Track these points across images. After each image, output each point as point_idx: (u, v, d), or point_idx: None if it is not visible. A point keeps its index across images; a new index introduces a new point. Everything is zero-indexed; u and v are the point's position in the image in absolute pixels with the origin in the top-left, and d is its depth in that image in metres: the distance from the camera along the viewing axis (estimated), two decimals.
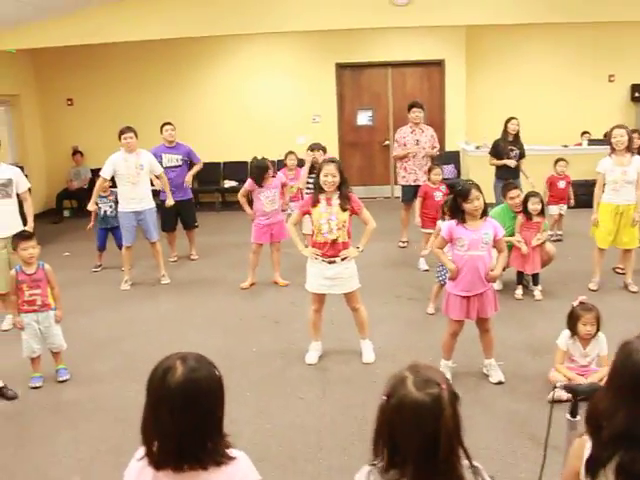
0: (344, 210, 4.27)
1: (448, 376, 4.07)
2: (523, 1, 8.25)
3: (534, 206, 5.63)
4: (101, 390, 4.24)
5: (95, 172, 9.35)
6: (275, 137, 10.33)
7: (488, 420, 3.69)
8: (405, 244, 7.69)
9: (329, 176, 4.22)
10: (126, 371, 4.45)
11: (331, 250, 4.29)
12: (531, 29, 9.81)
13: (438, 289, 5.39)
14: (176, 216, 7.27)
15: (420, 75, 10.75)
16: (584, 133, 10.21)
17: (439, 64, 10.52)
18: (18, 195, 5.43)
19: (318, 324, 4.57)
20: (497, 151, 7.66)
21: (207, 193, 10.68)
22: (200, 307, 5.85)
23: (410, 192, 7.46)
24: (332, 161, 4.36)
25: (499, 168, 7.68)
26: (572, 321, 3.89)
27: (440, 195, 6.36)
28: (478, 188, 3.91)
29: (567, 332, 3.95)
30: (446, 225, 4.03)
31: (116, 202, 6.63)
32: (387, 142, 10.92)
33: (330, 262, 4.30)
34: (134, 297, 6.21)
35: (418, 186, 7.26)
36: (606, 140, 6.47)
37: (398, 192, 10.81)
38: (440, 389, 1.47)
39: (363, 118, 11.04)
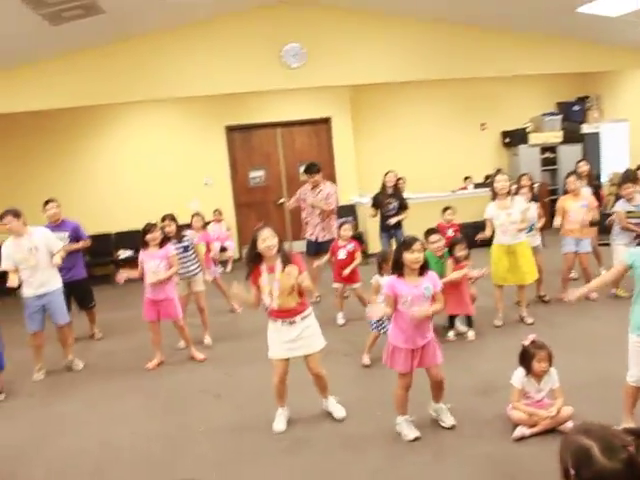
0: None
1: (413, 432, 4.07)
2: (401, 61, 8.79)
3: (461, 252, 5.90)
4: None
5: None
6: (167, 203, 10.07)
7: (461, 468, 3.68)
8: (318, 299, 7.67)
9: (267, 240, 4.01)
10: (63, 468, 4.01)
11: (289, 313, 4.14)
12: (410, 85, 10.47)
13: (374, 339, 5.46)
14: (68, 297, 6.60)
15: (308, 133, 11.04)
16: (467, 178, 10.94)
17: (326, 122, 10.89)
18: None
19: (283, 393, 4.38)
20: (375, 203, 7.98)
21: (101, 266, 10.12)
22: (127, 390, 5.41)
23: (310, 246, 7.77)
24: (264, 226, 4.14)
25: (382, 220, 7.99)
26: (526, 360, 4.03)
27: (344, 253, 6.50)
28: (422, 243, 4.00)
29: (521, 371, 4.09)
30: (387, 282, 4.00)
31: None
32: (282, 200, 11.03)
33: (291, 323, 4.15)
34: (51, 389, 5.63)
35: (314, 241, 7.55)
36: (488, 184, 7.06)
37: (296, 248, 10.99)
38: (629, 451, 1.40)
39: (256, 178, 11.08)
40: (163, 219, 6.31)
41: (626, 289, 6.83)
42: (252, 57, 8.13)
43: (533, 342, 4.06)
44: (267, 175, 11.06)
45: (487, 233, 6.29)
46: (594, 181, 7.77)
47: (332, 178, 10.64)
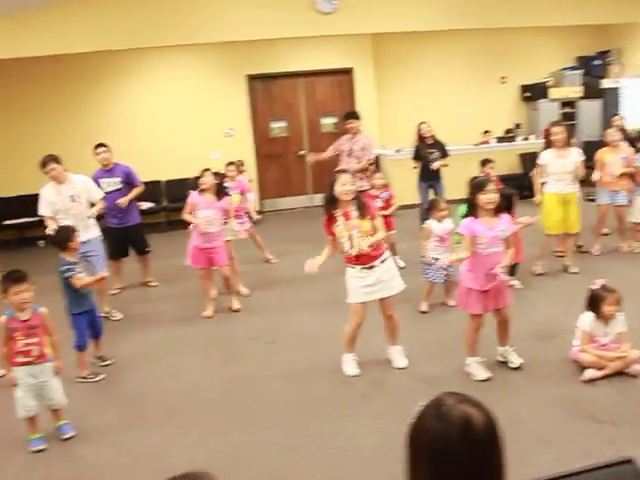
0: (363, 218, 4.15)
1: (484, 373, 4.14)
2: (431, 10, 8.57)
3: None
4: (120, 440, 3.77)
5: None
6: (188, 154, 9.97)
7: (534, 405, 3.76)
8: None
9: (346, 185, 4.09)
10: (137, 411, 4.08)
11: (368, 258, 4.17)
12: (430, 37, 10.26)
13: (430, 287, 5.53)
14: (126, 242, 6.74)
15: (330, 84, 10.88)
16: (486, 132, 10.87)
17: (348, 72, 10.71)
18: None
19: (356, 338, 4.41)
20: (418, 155, 7.98)
21: None
22: (183, 336, 5.45)
23: None
24: (344, 171, 4.27)
25: (422, 170, 8.01)
26: (596, 303, 4.09)
27: (380, 203, 6.42)
28: (494, 183, 4.07)
29: (589, 314, 4.14)
30: (464, 223, 4.05)
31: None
32: (302, 152, 10.93)
33: (370, 268, 4.18)
34: (114, 331, 5.59)
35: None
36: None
37: (317, 201, 10.91)
38: None
39: (277, 129, 10.94)
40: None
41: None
42: (281, 1, 7.88)
43: (603, 286, 4.10)
44: (288, 126, 10.93)
45: (537, 180, 6.38)
46: (629, 134, 7.75)
47: None
